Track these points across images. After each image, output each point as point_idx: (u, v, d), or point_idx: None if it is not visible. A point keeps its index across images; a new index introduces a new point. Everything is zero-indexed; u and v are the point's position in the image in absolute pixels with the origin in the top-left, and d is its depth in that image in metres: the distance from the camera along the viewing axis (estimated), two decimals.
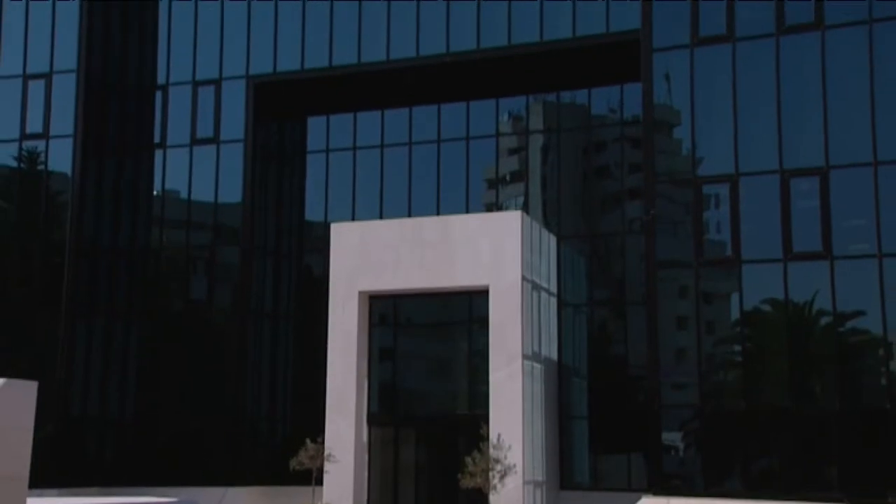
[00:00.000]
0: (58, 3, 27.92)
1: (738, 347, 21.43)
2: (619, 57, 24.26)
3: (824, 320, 20.14)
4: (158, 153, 28.43)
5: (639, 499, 20.47)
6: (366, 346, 21.60)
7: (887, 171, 19.63)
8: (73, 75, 27.24)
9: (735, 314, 21.18)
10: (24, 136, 27.55)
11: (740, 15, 21.41)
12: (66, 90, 27.25)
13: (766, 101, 21.03)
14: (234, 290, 27.60)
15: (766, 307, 20.89)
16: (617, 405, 24.39)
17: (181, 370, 27.42)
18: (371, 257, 21.70)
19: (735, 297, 21.11)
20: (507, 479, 18.43)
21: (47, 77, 27.49)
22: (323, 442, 20.69)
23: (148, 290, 28.47)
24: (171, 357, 27.74)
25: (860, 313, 19.72)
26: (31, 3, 28.22)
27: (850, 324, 19.92)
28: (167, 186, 28.50)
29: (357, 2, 27.04)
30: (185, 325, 28.09)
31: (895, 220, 19.54)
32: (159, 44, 28.99)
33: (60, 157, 27.25)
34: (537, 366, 21.35)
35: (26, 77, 27.59)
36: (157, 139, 28.48)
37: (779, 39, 21.00)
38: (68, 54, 27.46)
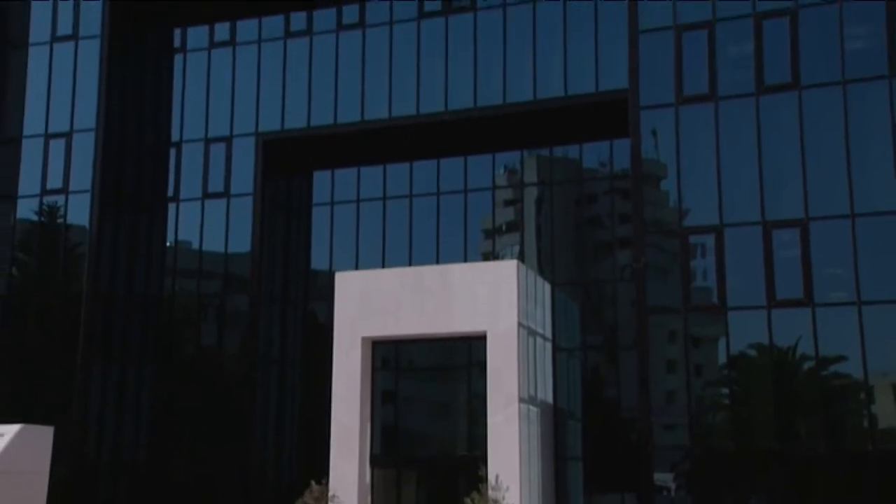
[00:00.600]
0: (79, 67, 28.10)
1: (725, 390, 21.38)
2: (609, 114, 24.22)
3: (807, 365, 20.10)
4: (172, 206, 28.63)
5: None
6: (369, 389, 21.23)
7: (864, 223, 19.74)
8: (92, 134, 27.26)
9: (722, 358, 21.10)
10: (44, 192, 27.71)
11: (722, 76, 21.68)
12: (85, 148, 27.32)
13: (747, 156, 21.13)
14: (243, 336, 27.44)
15: (752, 352, 20.78)
16: (610, 446, 24.24)
17: (192, 414, 27.25)
18: (374, 304, 21.17)
19: (722, 342, 21.02)
20: None
21: (67, 136, 27.56)
22: (327, 483, 20.40)
23: (161, 337, 28.35)
24: (182, 401, 27.60)
25: (842, 358, 19.72)
26: (53, 66, 28.46)
27: (832, 368, 19.90)
28: (180, 238, 28.62)
29: (360, 63, 27.28)
30: (197, 370, 27.95)
31: (873, 270, 19.61)
32: (173, 103, 29.11)
33: (79, 211, 27.31)
34: (533, 409, 21.07)
35: (48, 136, 27.72)
36: (170, 193, 28.66)
37: (758, 99, 21.22)
38: (88, 114, 27.50)
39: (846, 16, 20.75)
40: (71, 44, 28.19)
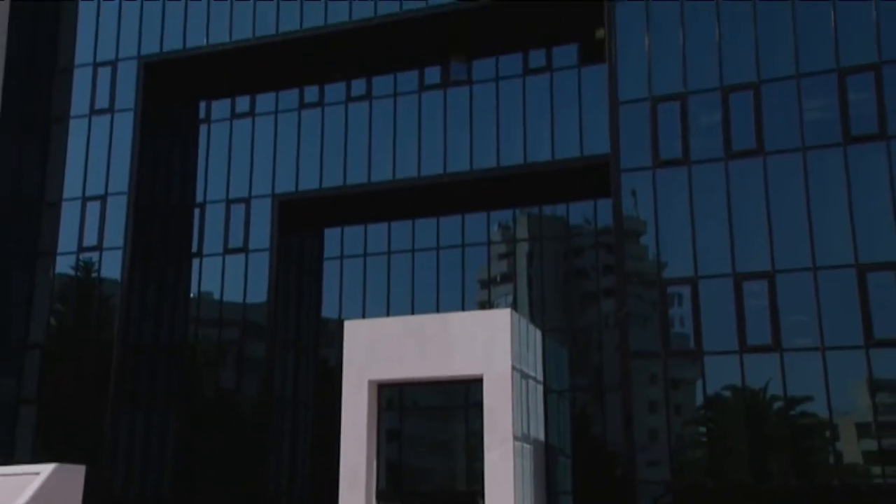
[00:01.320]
0: (114, 136, 28.24)
1: (703, 429, 21.26)
2: (592, 176, 24.41)
3: (777, 405, 20.13)
4: (196, 261, 28.62)
5: None
6: (375, 429, 21.04)
7: (825, 275, 19.93)
8: (125, 197, 27.49)
9: (700, 399, 21.01)
10: (81, 249, 27.73)
11: (693, 142, 21.83)
12: (118, 209, 27.50)
13: (718, 214, 21.27)
14: (260, 380, 27.15)
15: (727, 393, 20.76)
16: (598, 481, 23.97)
17: (213, 453, 26.99)
18: (379, 350, 20.96)
19: (699, 384, 20.92)
20: None
21: (103, 199, 27.76)
22: None
23: (184, 381, 28.14)
24: (203, 440, 27.34)
25: (808, 399, 19.79)
26: (91, 136, 28.56)
27: (799, 408, 19.93)
28: (203, 289, 28.57)
29: (367, 131, 27.41)
30: (217, 412, 27.76)
31: (834, 318, 19.65)
32: (198, 168, 29.27)
33: (111, 266, 27.32)
34: (527, 446, 20.90)
35: (85, 199, 27.94)
36: (194, 249, 28.65)
37: (727, 163, 21.44)
38: (121, 179, 27.75)
39: (804, 89, 21.15)
40: (108, 116, 28.45)
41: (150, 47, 28.60)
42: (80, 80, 29.14)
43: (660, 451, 20.95)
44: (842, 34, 21.13)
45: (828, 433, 19.56)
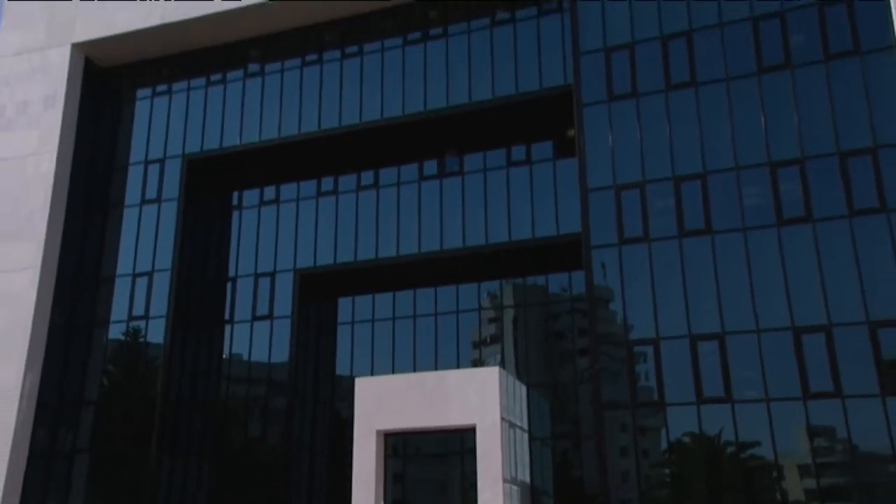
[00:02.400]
0: (160, 222, 28.51)
1: (667, 470, 20.64)
2: (567, 252, 24.53)
3: (730, 449, 19.77)
4: (228, 327, 28.47)
5: None
6: (382, 473, 20.94)
7: (766, 336, 19.86)
8: (168, 273, 27.66)
9: (664, 444, 20.54)
10: (130, 318, 27.83)
11: (652, 223, 21.82)
12: (162, 284, 27.66)
13: (675, 284, 21.16)
14: (282, 430, 26.94)
15: (687, 439, 20.33)
16: None
17: (241, 494, 26.58)
18: (386, 403, 21.26)
19: (663, 431, 20.57)
20: None
21: (149, 275, 27.96)
22: None
23: (217, 432, 27.87)
24: (233, 484, 26.96)
25: (757, 443, 19.52)
26: (141, 222, 28.83)
27: (749, 451, 19.64)
28: (233, 352, 28.30)
29: (375, 215, 27.53)
30: (244, 458, 27.41)
31: (776, 373, 19.56)
32: (231, 248, 29.32)
33: (156, 333, 27.36)
34: (515, 488, 20.73)
35: (134, 275, 28.16)
36: (227, 317, 28.55)
37: (681, 241, 21.41)
38: (165, 258, 27.92)
39: (742, 179, 21.22)
40: (155, 205, 28.76)
41: (192, 146, 28.99)
42: (134, 175, 29.46)
43: (631, 491, 20.50)
44: (772, 133, 21.32)
45: (774, 474, 19.30)
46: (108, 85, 30.79)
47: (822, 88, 21.13)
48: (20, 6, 31.05)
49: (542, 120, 26.01)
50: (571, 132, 24.86)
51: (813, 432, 19.07)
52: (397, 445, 21.56)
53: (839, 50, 21.24)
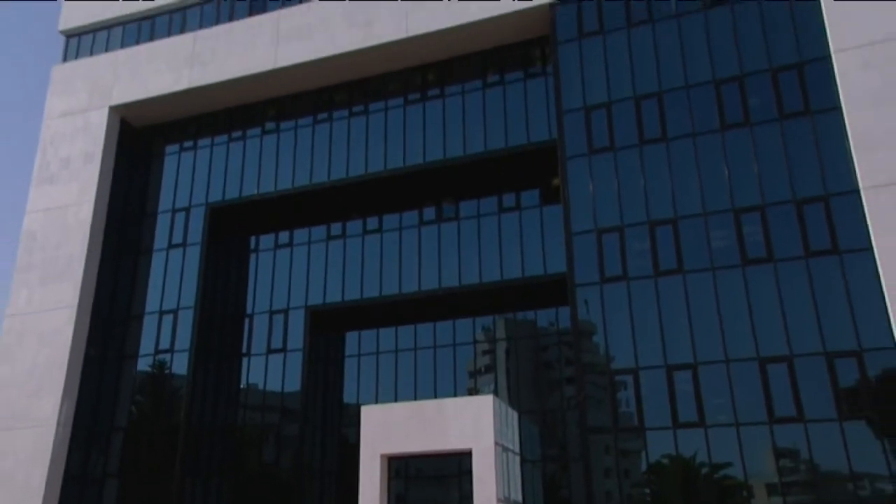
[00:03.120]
0: (185, 264, 28.59)
1: (647, 490, 20.57)
2: (554, 290, 24.62)
3: (704, 470, 19.78)
4: (245, 359, 28.46)
5: None
6: (386, 494, 20.54)
7: (735, 366, 19.96)
8: (192, 310, 27.76)
9: (643, 466, 20.48)
10: (156, 351, 27.86)
11: (630, 263, 21.95)
12: (186, 320, 27.74)
13: (652, 318, 21.25)
14: (294, 455, 26.84)
15: (665, 461, 20.33)
16: None
17: None
18: (389, 429, 20.96)
19: (643, 454, 20.52)
20: None
21: (175, 312, 28.02)
22: None
23: (234, 456, 27.73)
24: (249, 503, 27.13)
25: (728, 464, 19.53)
26: (168, 264, 28.90)
27: (721, 472, 19.63)
28: (250, 382, 28.32)
29: (379, 256, 27.58)
30: (260, 480, 27.30)
31: (744, 400, 19.62)
32: (248, 287, 29.45)
33: (180, 365, 27.37)
34: None
35: (161, 313, 28.24)
36: (244, 350, 28.55)
37: (656, 279, 21.54)
38: (189, 297, 28.04)
39: (710, 224, 21.40)
40: (181, 249, 28.84)
41: (215, 196, 29.24)
42: (162, 222, 29.64)
43: None
44: (735, 183, 21.55)
45: (744, 493, 19.24)
46: (140, 142, 31.19)
47: (778, 143, 21.48)
48: (65, 74, 31.68)
49: (529, 170, 26.27)
50: (556, 181, 25.09)
51: (779, 454, 19.09)
52: (400, 468, 21.29)
53: (792, 110, 21.67)
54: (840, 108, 21.00)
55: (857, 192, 20.13)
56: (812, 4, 22.27)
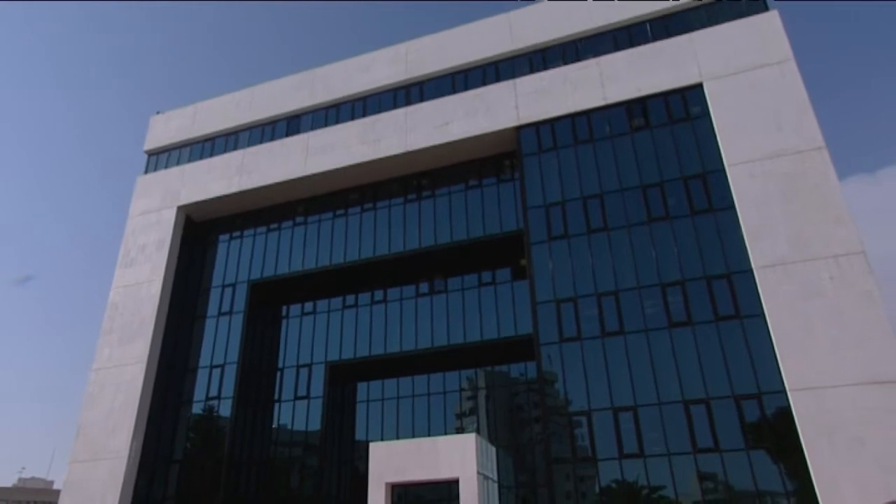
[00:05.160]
0: (230, 328, 28.61)
1: None
2: (523, 347, 24.57)
3: (644, 492, 19.55)
4: (276, 404, 28.23)
5: None
6: None
7: (666, 407, 19.96)
8: (235, 365, 27.76)
9: (597, 489, 20.04)
10: (207, 398, 27.81)
11: (583, 326, 21.91)
12: (230, 372, 27.70)
13: (600, 370, 21.08)
14: (315, 483, 26.49)
15: (613, 485, 20.00)
16: None
17: None
18: (392, 462, 20.92)
19: (596, 479, 20.11)
20: None
21: (222, 366, 27.97)
22: None
23: (267, 484, 27.33)
24: None
25: (663, 487, 19.36)
26: (217, 328, 28.78)
27: (658, 493, 19.36)
28: (280, 423, 28.03)
29: (384, 321, 27.54)
30: None
31: (674, 434, 19.62)
32: (280, 347, 29.32)
33: (225, 409, 27.24)
34: None
35: (211, 367, 28.21)
36: (276, 397, 28.35)
37: (603, 339, 21.49)
38: (233, 354, 28.02)
39: (643, 295, 21.52)
40: (227, 316, 28.99)
41: (255, 274, 29.45)
42: (213, 295, 29.73)
43: None
44: (661, 263, 21.73)
45: None
46: (199, 232, 31.61)
47: (691, 233, 21.86)
48: (146, 182, 32.26)
49: (502, 253, 26.39)
50: (523, 262, 25.21)
51: (701, 477, 19.06)
52: (401, 494, 21.15)
53: (700, 208, 22.26)
54: (734, 207, 21.55)
55: (751, 270, 20.46)
56: (709, 131, 23.01)
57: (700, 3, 25.38)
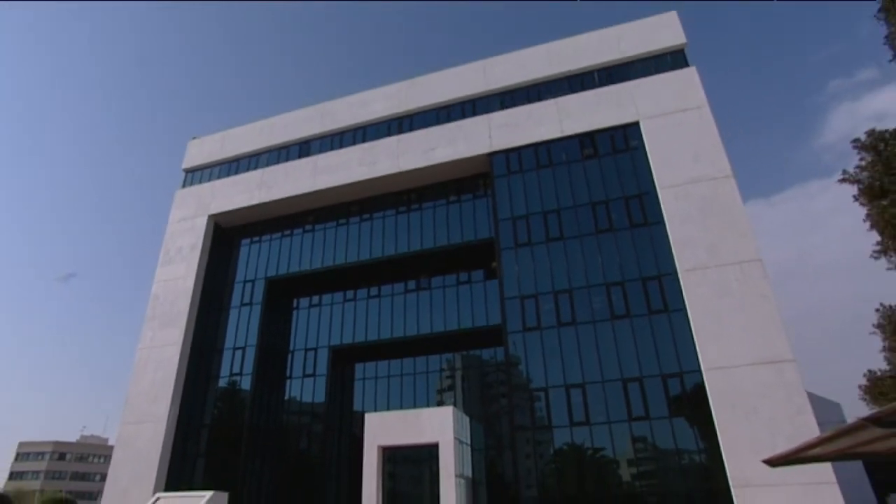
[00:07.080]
0: (251, 318, 28.49)
1: (554, 466, 20.04)
2: (494, 335, 24.83)
3: (589, 452, 19.81)
4: (288, 381, 28.23)
5: None
6: (381, 473, 20.40)
7: (608, 385, 20.19)
8: (254, 347, 27.77)
9: (551, 451, 20.21)
10: (231, 374, 27.71)
11: (542, 318, 21.85)
12: (250, 354, 27.71)
13: (556, 354, 21.14)
14: (320, 446, 26.71)
15: (565, 447, 20.17)
16: (500, 499, 23.21)
17: (295, 486, 26.49)
18: (384, 429, 20.83)
19: (551, 443, 20.25)
20: None
21: (243, 348, 27.98)
22: None
23: (280, 446, 27.55)
24: (290, 479, 26.81)
25: (604, 448, 19.64)
26: (240, 320, 28.60)
27: (601, 453, 19.72)
28: (291, 395, 28.03)
29: (378, 312, 27.50)
30: (297, 464, 27.21)
31: (614, 406, 19.89)
32: (291, 332, 29.11)
33: (245, 383, 27.27)
34: (462, 480, 20.50)
35: (234, 349, 28.18)
36: (287, 374, 28.33)
37: (559, 328, 21.52)
38: (252, 338, 28.02)
39: (591, 292, 21.49)
40: (248, 307, 28.44)
41: (271, 272, 29.39)
42: (237, 289, 29.66)
43: (533, 480, 20.24)
44: (606, 266, 21.89)
45: (615, 466, 19.45)
46: (225, 237, 31.48)
47: (630, 243, 22.35)
48: (183, 195, 32.29)
49: (476, 257, 26.53)
50: (494, 264, 25.67)
51: (634, 440, 19.54)
52: (391, 456, 21.17)
53: (637, 222, 22.77)
54: (664, 222, 22.14)
55: (677, 273, 20.99)
56: (644, 161, 23.51)
57: (636, 58, 26.59)
